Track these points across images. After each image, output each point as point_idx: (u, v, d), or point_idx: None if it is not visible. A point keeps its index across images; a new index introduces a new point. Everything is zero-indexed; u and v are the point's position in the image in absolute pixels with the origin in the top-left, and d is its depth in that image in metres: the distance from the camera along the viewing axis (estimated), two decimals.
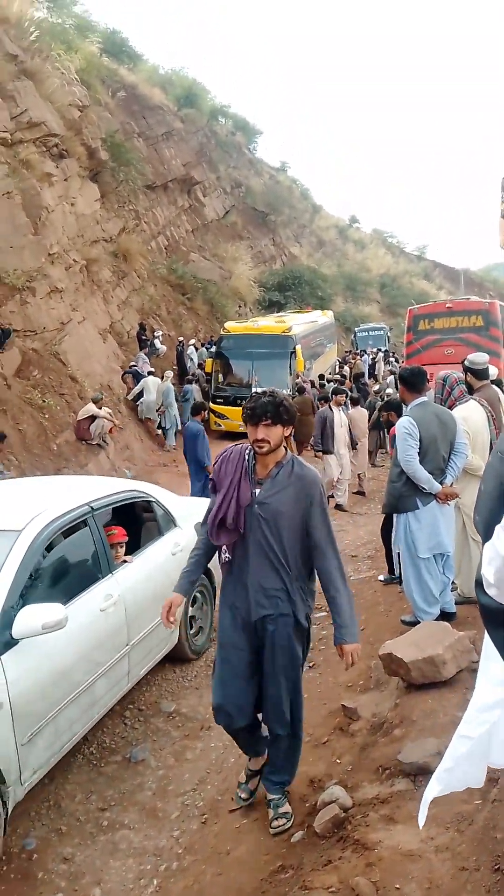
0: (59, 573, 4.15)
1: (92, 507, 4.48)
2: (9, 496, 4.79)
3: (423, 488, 4.70)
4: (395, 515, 5.19)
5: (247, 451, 3.30)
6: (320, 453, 10.51)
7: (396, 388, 9.08)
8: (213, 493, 3.31)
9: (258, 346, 17.43)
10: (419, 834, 2.73)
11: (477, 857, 2.47)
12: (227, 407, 16.98)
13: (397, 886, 2.46)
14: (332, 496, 10.75)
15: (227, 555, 3.30)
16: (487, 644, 1.56)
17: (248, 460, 3.28)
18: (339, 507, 10.78)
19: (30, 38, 15.05)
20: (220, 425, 17.05)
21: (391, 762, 3.35)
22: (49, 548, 3.97)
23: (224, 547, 3.29)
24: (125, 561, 4.82)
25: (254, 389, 18.32)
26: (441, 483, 4.75)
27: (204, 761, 4.35)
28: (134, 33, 77.56)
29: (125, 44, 28.17)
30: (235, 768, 4.22)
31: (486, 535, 1.40)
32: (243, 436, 13.59)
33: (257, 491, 3.21)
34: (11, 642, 3.47)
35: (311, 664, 5.44)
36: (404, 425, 4.72)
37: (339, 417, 10.49)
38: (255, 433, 3.17)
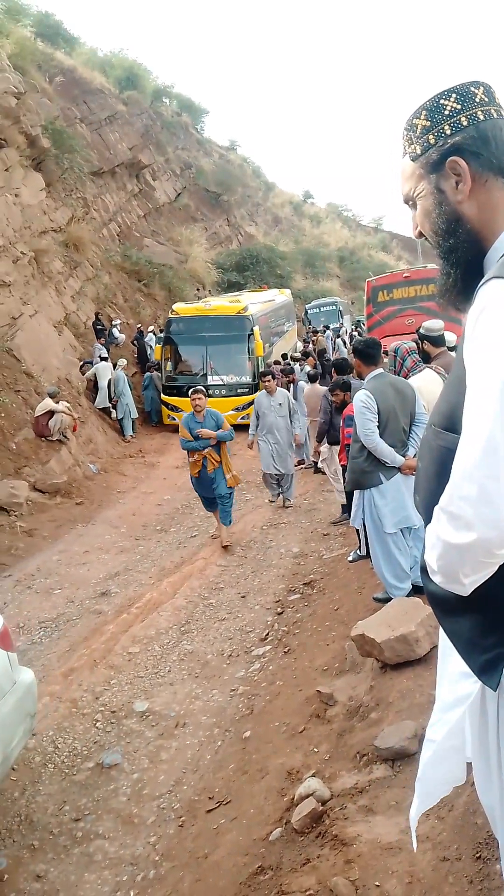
0: None
1: None
2: None
3: (386, 462, 4.57)
4: (354, 492, 5.04)
5: None
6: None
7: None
8: None
9: (211, 329, 15.84)
10: (399, 824, 2.61)
11: (458, 845, 2.36)
12: (180, 398, 15.21)
13: (377, 884, 2.34)
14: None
15: None
16: (443, 639, 1.41)
17: None
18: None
19: None
20: (173, 418, 15.37)
21: (368, 748, 3.24)
22: None
23: None
24: None
25: (209, 378, 15.70)
26: (404, 455, 4.63)
27: (179, 761, 4.20)
28: (68, 16, 75.48)
29: (60, 27, 27.32)
30: (212, 766, 4.09)
31: (427, 516, 1.25)
32: None
33: None
34: None
35: (286, 649, 5.33)
36: (361, 399, 4.57)
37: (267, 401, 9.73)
38: None
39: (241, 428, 10.87)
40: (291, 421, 9.52)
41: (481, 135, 1.28)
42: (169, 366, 16.27)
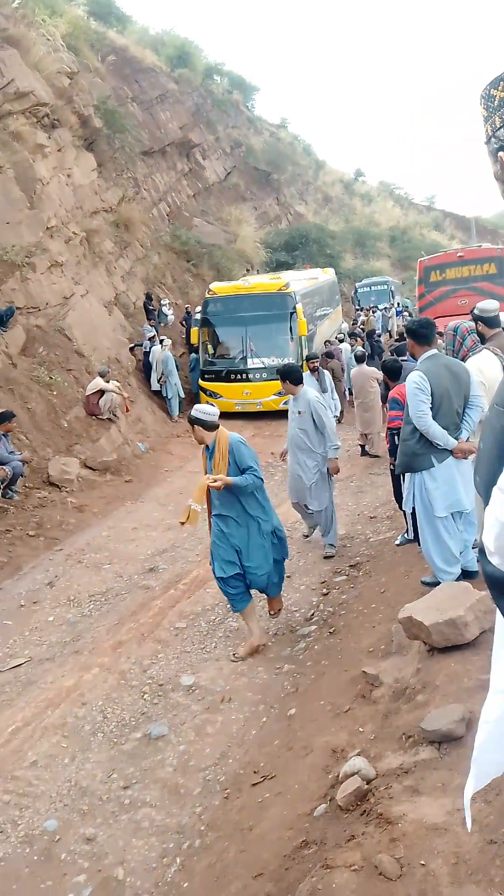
0: None
1: None
2: None
3: (439, 445, 4.51)
4: (404, 475, 4.98)
5: None
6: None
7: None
8: None
9: (251, 309, 14.84)
10: (445, 806, 2.61)
11: None
12: (219, 383, 14.86)
13: (422, 863, 2.34)
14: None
15: None
16: (500, 622, 1.39)
17: None
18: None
19: (12, 4, 14.56)
20: (212, 405, 15.00)
21: (414, 730, 3.22)
22: None
23: None
24: None
25: (250, 362, 14.60)
26: (457, 438, 4.55)
27: (225, 735, 4.27)
28: None
29: (112, 5, 27.29)
30: (257, 741, 4.14)
31: (487, 497, 1.23)
32: (240, 416, 12.92)
33: None
34: None
35: (331, 629, 5.34)
36: (415, 380, 4.50)
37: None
38: None
39: (283, 414, 8.81)
40: (322, 434, 6.73)
41: None
42: (208, 349, 15.47)
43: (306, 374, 8.94)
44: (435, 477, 4.54)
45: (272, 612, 5.68)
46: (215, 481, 4.91)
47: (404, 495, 4.95)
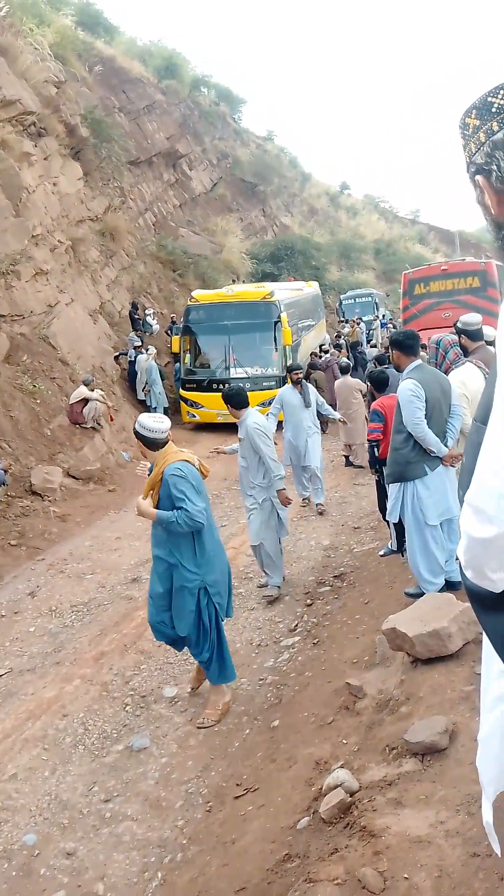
0: None
1: None
2: None
3: (432, 452, 4.53)
4: (391, 485, 4.98)
5: None
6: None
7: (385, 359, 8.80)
8: None
9: (234, 317, 14.46)
10: (428, 818, 2.60)
11: (489, 841, 2.34)
12: (200, 393, 14.41)
13: (406, 876, 2.34)
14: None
15: None
16: (486, 638, 1.39)
17: None
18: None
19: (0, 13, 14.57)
20: (193, 416, 14.56)
21: (398, 741, 3.22)
22: None
23: None
24: None
25: (232, 371, 14.11)
26: (445, 446, 4.60)
27: (207, 747, 4.24)
28: (109, 5, 75.92)
29: (100, 16, 27.38)
30: (240, 753, 4.12)
31: None
32: (222, 427, 12.66)
33: None
34: None
35: (315, 640, 5.33)
36: (410, 388, 4.53)
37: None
38: None
39: None
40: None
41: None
42: (188, 358, 15.05)
43: (288, 388, 8.82)
44: (428, 485, 4.57)
45: (192, 687, 4.84)
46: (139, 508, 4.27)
47: (389, 506, 4.96)
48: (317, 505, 8.95)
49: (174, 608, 4.35)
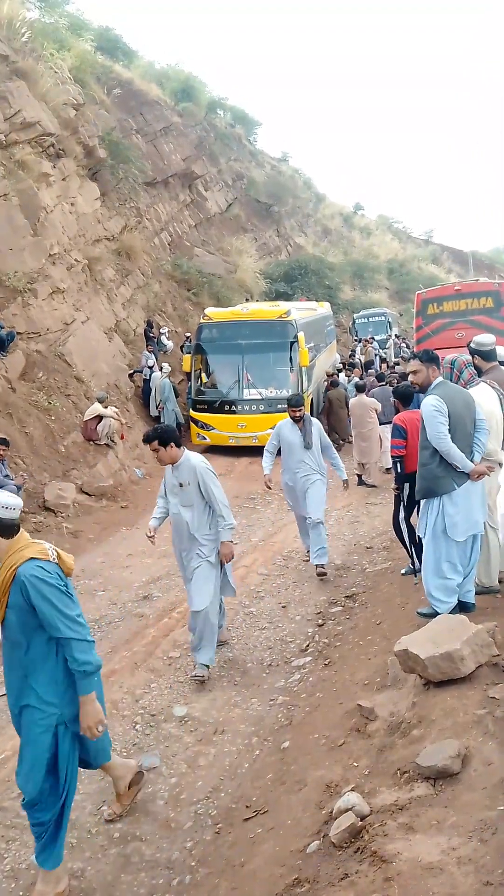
0: None
1: None
2: None
3: (457, 467, 4.51)
4: (421, 501, 4.91)
5: None
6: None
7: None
8: None
9: (249, 337, 13.98)
10: (440, 844, 2.57)
11: (503, 869, 2.30)
12: (211, 414, 13.96)
13: None
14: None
15: None
16: None
17: None
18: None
19: (21, 38, 14.89)
20: (204, 437, 14.04)
21: (410, 765, 3.18)
22: None
23: None
24: None
25: (246, 392, 14.04)
26: (471, 461, 4.57)
27: (217, 768, 4.21)
28: (127, 30, 77.53)
29: (119, 40, 27.94)
30: (250, 775, 4.08)
31: None
32: (234, 451, 12.35)
33: None
34: None
35: (326, 661, 5.30)
36: (432, 403, 4.52)
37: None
38: None
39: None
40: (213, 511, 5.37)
41: None
42: (201, 377, 14.47)
43: (287, 422, 7.40)
44: (455, 501, 4.54)
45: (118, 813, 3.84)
46: None
47: (419, 522, 4.92)
48: (316, 567, 7.26)
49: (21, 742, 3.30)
